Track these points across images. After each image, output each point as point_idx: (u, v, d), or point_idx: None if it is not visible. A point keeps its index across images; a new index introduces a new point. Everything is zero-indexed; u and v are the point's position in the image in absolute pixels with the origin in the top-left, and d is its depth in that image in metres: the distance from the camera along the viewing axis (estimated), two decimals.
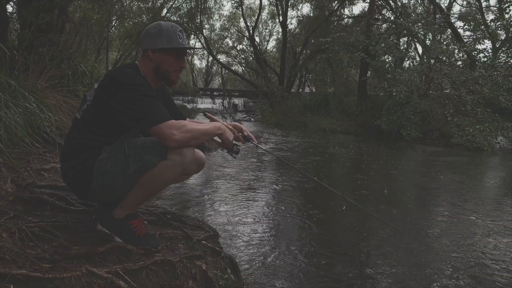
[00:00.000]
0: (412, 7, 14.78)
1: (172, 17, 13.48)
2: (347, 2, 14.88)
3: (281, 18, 15.29)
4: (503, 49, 10.37)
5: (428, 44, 10.11)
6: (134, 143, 1.40)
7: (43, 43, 4.34)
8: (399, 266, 2.07)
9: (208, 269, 1.54)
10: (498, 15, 10.90)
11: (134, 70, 1.47)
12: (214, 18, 20.13)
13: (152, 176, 1.39)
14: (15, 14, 5.43)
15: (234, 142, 1.54)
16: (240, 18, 19.52)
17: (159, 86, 1.62)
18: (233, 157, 1.57)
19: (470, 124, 7.38)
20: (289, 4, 15.35)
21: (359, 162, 5.76)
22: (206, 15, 16.51)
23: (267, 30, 24.80)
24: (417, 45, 14.38)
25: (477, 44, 10.09)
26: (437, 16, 11.56)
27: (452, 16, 14.04)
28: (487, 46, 11.07)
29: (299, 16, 18.16)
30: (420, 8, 15.14)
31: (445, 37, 14.62)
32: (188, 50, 1.63)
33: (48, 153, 2.94)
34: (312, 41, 15.63)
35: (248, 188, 3.60)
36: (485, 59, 9.69)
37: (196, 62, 28.45)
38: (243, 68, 23.01)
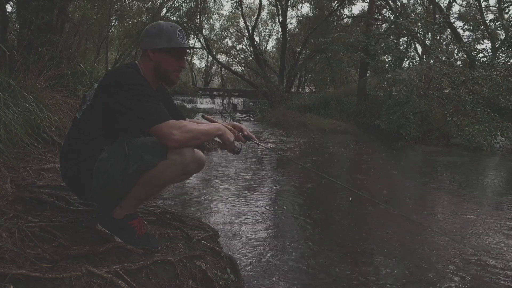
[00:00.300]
0: (411, 7, 14.80)
1: (171, 17, 13.49)
2: (346, 2, 14.90)
3: (280, 18, 15.30)
4: (503, 49, 10.38)
5: (427, 44, 10.11)
6: (134, 143, 1.40)
7: (42, 43, 4.34)
8: (399, 266, 2.07)
9: (208, 269, 1.54)
10: (497, 15, 10.91)
11: (134, 70, 1.47)
12: (213, 18, 20.17)
13: (152, 176, 1.39)
14: (14, 14, 5.43)
15: (235, 141, 1.55)
16: (239, 18, 19.52)
17: (159, 86, 1.62)
18: (234, 155, 1.57)
19: (470, 124, 7.38)
20: (289, 4, 15.36)
21: (359, 162, 5.76)
22: (206, 15, 16.54)
23: (267, 30, 24.84)
24: (417, 45, 14.40)
25: (477, 44, 10.10)
26: (437, 16, 11.57)
27: (451, 16, 14.05)
28: (486, 46, 11.07)
29: (298, 16, 18.20)
30: (420, 8, 15.16)
31: (444, 37, 14.63)
32: (187, 50, 1.63)
33: (48, 153, 2.94)
34: (312, 41, 15.65)
35: (248, 188, 3.60)
36: (485, 59, 9.70)
37: (196, 62, 28.46)
38: (243, 68, 23.02)
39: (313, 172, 4.23)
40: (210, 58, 24.71)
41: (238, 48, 22.66)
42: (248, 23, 16.53)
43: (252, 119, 13.29)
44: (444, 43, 13.10)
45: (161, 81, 1.57)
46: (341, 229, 2.69)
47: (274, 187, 3.71)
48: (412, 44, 13.74)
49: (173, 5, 13.71)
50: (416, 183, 4.40)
